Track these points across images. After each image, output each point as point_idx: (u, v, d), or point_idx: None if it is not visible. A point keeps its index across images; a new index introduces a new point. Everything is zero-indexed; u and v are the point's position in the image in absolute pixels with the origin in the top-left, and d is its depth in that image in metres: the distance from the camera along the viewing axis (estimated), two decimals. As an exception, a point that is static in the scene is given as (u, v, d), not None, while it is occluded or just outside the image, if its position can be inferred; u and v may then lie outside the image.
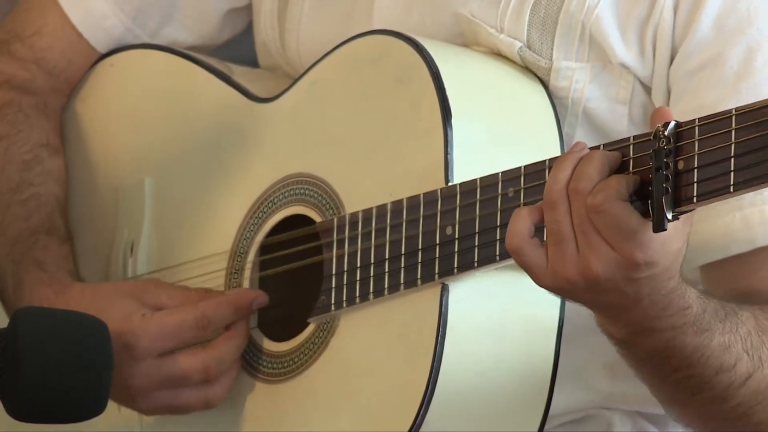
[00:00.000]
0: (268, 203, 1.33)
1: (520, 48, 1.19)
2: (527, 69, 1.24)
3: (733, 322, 0.99)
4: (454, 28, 1.24)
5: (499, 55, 1.24)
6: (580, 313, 1.12)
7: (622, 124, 1.19)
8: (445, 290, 1.13)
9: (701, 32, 1.12)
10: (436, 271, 1.12)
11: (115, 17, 1.46)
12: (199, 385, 1.27)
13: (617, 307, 0.94)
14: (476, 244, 1.09)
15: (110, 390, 1.07)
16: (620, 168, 0.93)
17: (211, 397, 1.28)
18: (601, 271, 0.87)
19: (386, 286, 1.17)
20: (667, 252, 0.89)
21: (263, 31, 1.44)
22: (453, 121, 1.15)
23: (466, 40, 1.25)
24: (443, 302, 1.12)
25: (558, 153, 1.13)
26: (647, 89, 1.18)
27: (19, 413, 1.03)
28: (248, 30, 1.56)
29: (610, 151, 0.93)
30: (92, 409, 1.05)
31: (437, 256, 1.13)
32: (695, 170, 0.86)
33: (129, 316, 1.27)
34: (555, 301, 1.14)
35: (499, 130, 1.22)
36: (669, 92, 1.17)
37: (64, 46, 1.49)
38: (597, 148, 0.96)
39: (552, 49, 1.19)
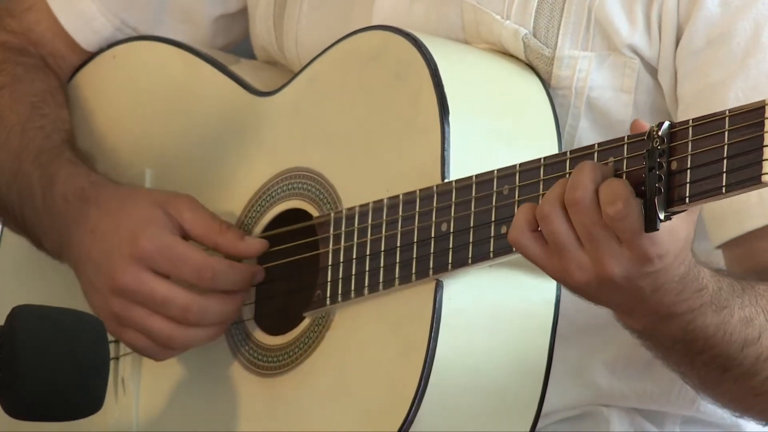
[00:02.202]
0: (267, 197, 1.33)
1: (525, 35, 1.19)
2: (527, 66, 1.24)
3: (751, 295, 0.99)
4: (456, 20, 1.24)
5: (500, 49, 1.24)
6: (580, 310, 1.12)
7: (627, 113, 1.18)
8: (439, 286, 1.13)
9: (707, 9, 1.11)
10: (431, 266, 1.13)
11: (103, 18, 1.46)
12: (171, 321, 1.25)
13: (633, 301, 0.95)
14: (471, 240, 1.10)
15: (106, 388, 1.08)
16: (614, 166, 0.93)
17: (175, 339, 1.27)
18: (617, 271, 0.89)
19: (381, 281, 1.17)
20: (676, 240, 0.89)
21: (260, 36, 1.44)
22: (450, 117, 1.16)
23: (468, 33, 1.24)
24: (437, 298, 1.12)
25: (556, 150, 1.13)
26: (653, 71, 1.18)
27: (15, 411, 1.04)
28: (246, 35, 1.55)
29: (602, 150, 0.93)
30: (89, 407, 1.06)
31: (432, 252, 1.13)
32: (688, 171, 0.86)
33: (149, 221, 1.28)
34: (550, 297, 1.15)
35: (496, 127, 1.22)
36: (675, 72, 1.16)
37: (55, 35, 1.50)
38: (591, 147, 0.96)
39: (557, 37, 1.18)
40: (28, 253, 1.51)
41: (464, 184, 1.10)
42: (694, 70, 1.13)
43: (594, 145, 0.95)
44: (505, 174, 1.06)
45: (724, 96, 1.06)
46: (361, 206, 1.19)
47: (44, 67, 1.47)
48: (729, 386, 1.05)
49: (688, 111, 1.09)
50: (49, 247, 1.36)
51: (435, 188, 1.13)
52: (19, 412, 1.04)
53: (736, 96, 1.06)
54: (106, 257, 1.26)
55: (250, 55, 1.58)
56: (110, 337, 1.25)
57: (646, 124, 0.90)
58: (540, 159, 1.02)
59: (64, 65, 1.49)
